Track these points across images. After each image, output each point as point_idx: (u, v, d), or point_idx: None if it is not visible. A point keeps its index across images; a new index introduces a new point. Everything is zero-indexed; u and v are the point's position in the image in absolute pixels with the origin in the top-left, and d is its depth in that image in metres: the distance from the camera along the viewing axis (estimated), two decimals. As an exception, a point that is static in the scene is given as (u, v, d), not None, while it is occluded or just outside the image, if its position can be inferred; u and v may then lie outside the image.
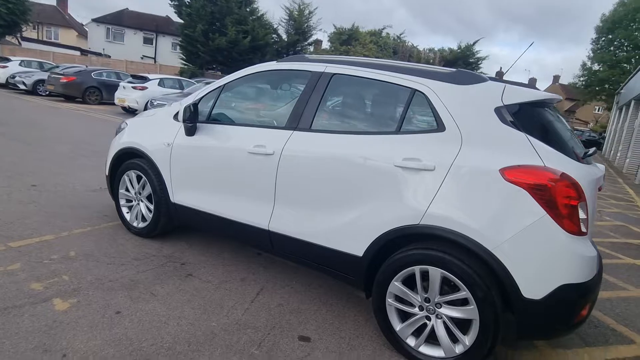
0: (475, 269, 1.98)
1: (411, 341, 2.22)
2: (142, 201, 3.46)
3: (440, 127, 2.17)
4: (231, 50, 25.68)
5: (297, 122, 2.61)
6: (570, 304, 1.92)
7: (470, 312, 2.02)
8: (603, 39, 35.72)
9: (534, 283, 1.89)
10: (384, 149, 2.26)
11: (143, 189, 3.42)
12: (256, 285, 2.91)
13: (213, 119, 3.04)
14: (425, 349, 2.19)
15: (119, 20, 36.42)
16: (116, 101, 13.80)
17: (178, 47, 31.22)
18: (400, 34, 31.17)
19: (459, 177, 2.04)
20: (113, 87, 15.22)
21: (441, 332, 2.13)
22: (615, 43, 35.22)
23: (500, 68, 49.50)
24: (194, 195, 3.06)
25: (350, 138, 2.43)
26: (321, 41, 30.65)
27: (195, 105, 2.91)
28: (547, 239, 1.87)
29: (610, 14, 35.00)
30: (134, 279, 2.79)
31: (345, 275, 2.49)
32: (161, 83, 13.89)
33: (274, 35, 28.14)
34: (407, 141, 2.23)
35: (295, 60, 2.83)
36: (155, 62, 34.32)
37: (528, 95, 2.13)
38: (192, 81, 15.50)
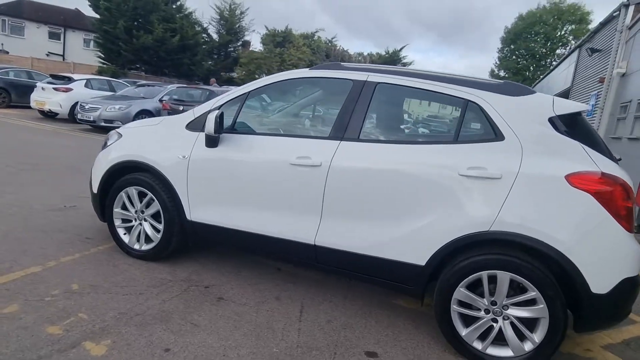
0: (546, 270, 2.10)
1: (477, 345, 2.29)
2: (145, 220, 3.10)
3: (498, 136, 2.27)
4: (158, 50, 24.15)
5: (344, 132, 2.53)
6: (629, 295, 2.13)
7: (539, 311, 2.14)
8: (507, 48, 40.11)
9: (601, 279, 2.07)
10: (445, 158, 2.30)
11: (147, 206, 3.06)
12: (295, 303, 2.77)
13: (238, 129, 2.83)
14: (492, 351, 2.27)
15: (18, 12, 32.07)
16: (33, 104, 12.15)
17: (92, 43, 28.56)
18: (332, 38, 31.88)
19: (526, 184, 2.15)
20: (24, 88, 13.45)
21: (509, 333, 2.22)
22: (517, 53, 39.74)
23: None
24: (218, 211, 2.82)
25: (404, 148, 2.43)
26: (249, 42, 30.08)
27: (222, 115, 2.68)
28: (611, 238, 2.06)
29: (512, 27, 39.42)
30: (164, 310, 2.49)
31: (401, 285, 2.48)
32: (88, 84, 12.54)
33: (204, 35, 27.02)
34: (467, 150, 2.29)
35: (331, 68, 2.75)
36: (64, 59, 30.84)
37: (573, 107, 2.32)
38: (124, 82, 14.24)
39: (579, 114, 2.35)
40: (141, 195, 3.07)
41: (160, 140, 3.03)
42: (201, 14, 33.54)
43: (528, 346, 2.20)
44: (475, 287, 2.27)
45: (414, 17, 77.73)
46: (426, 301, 2.91)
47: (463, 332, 2.31)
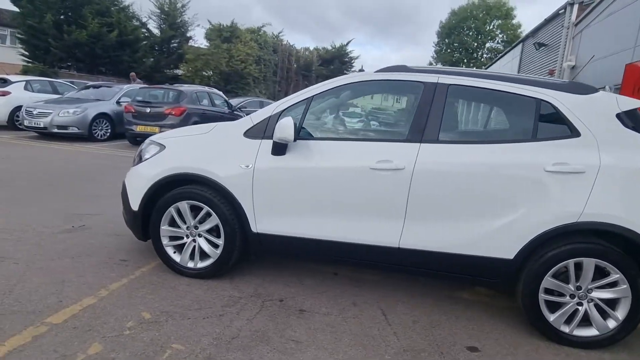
0: (630, 255, 2.31)
1: (565, 328, 2.46)
2: (199, 236, 2.90)
3: (574, 133, 2.43)
4: (93, 46, 22.24)
5: (422, 134, 2.56)
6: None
7: (622, 291, 2.35)
8: (442, 42, 42.34)
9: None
10: (529, 156, 2.42)
11: (201, 221, 2.87)
12: (373, 308, 2.76)
13: (305, 135, 2.74)
14: (579, 332, 2.45)
15: None
16: (-40, 110, 10.68)
17: (9, 39, 25.66)
18: (279, 33, 31.51)
19: (607, 177, 2.33)
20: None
21: (594, 314, 2.41)
22: (451, 46, 42.11)
23: (362, 66, 54.19)
24: (289, 221, 2.72)
25: (484, 147, 2.51)
26: (190, 37, 28.70)
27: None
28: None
29: (446, 22, 41.68)
30: (256, 330, 2.37)
31: (487, 279, 2.58)
32: (28, 86, 11.27)
33: (143, 30, 25.36)
34: (548, 147, 2.43)
35: (398, 70, 2.75)
36: (-24, 58, 27.28)
37: (633, 103, 2.54)
38: (67, 83, 12.96)
39: (637, 109, 2.59)
40: (194, 210, 2.87)
41: (216, 150, 2.84)
42: (139, 8, 31.35)
43: (612, 324, 2.40)
44: (559, 275, 2.43)
45: (350, 10, 79.03)
46: (484, 291, 3.07)
47: (551, 317, 2.46)
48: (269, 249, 2.88)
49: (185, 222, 2.90)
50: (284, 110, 2.78)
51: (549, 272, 2.41)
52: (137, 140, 10.08)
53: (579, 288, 2.42)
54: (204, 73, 26.40)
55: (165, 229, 2.93)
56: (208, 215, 2.84)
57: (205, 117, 10.05)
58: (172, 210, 2.88)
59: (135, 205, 2.97)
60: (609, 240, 2.35)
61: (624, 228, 2.29)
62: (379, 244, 2.62)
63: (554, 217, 2.36)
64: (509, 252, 2.45)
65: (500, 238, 2.45)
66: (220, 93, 11.91)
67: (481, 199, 2.47)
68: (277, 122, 2.73)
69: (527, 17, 49.00)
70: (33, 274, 2.80)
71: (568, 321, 2.46)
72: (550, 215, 2.37)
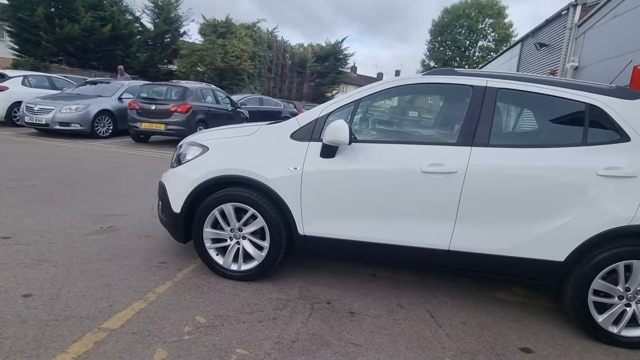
0: (678, 257, 2.37)
1: (613, 329, 2.51)
2: (244, 238, 2.89)
3: (624, 137, 2.47)
4: (86, 40, 21.84)
5: (472, 137, 2.58)
6: None
7: (670, 291, 2.41)
8: (435, 40, 42.55)
9: None
10: (580, 160, 2.46)
11: (246, 223, 2.85)
12: (421, 310, 2.78)
13: (353, 137, 2.73)
14: (627, 332, 2.50)
15: None
16: (-46, 106, 10.39)
17: (0, 33, 24.98)
18: (274, 29, 31.28)
19: (662, 181, 2.38)
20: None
21: (642, 314, 2.47)
22: (444, 44, 42.36)
23: (354, 63, 54.13)
24: (337, 224, 2.72)
25: (535, 151, 2.54)
26: (184, 32, 28.34)
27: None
28: None
29: (438, 20, 41.89)
30: (313, 333, 2.37)
31: (535, 281, 2.62)
32: (25, 81, 11.01)
33: (137, 25, 24.95)
34: (599, 152, 2.47)
35: (446, 73, 2.76)
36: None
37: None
38: (64, 78, 12.69)
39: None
40: (238, 212, 2.85)
41: (262, 152, 2.82)
42: (132, 2, 30.77)
43: (658, 324, 2.47)
44: (608, 277, 2.48)
45: (339, 7, 78.83)
46: (519, 291, 3.11)
47: (599, 319, 2.51)
48: (315, 251, 2.87)
49: (229, 225, 2.88)
50: (332, 112, 2.77)
51: (599, 275, 2.46)
52: (141, 137, 9.96)
53: (627, 289, 2.47)
54: (198, 69, 26.12)
55: (208, 231, 2.91)
56: (253, 217, 2.82)
57: (211, 115, 9.98)
58: (216, 212, 2.86)
59: (177, 207, 2.93)
60: (656, 242, 2.41)
61: (676, 230, 2.34)
62: (429, 246, 2.64)
63: (606, 221, 2.41)
64: (560, 254, 2.49)
65: (551, 240, 2.49)
66: (222, 91, 11.78)
67: (532, 203, 2.50)
68: (324, 124, 2.73)
69: (517, 16, 49.49)
70: (76, 278, 2.75)
71: (616, 322, 2.51)
72: (602, 218, 2.41)
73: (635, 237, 2.44)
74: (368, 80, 62.69)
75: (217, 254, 2.96)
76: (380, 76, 66.00)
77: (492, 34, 41.18)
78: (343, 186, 2.68)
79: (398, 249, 2.68)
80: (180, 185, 2.93)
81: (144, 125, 9.18)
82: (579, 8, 9.48)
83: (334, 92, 35.51)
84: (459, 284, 3.21)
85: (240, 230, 2.88)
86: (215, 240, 2.94)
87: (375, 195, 2.66)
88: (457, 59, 41.95)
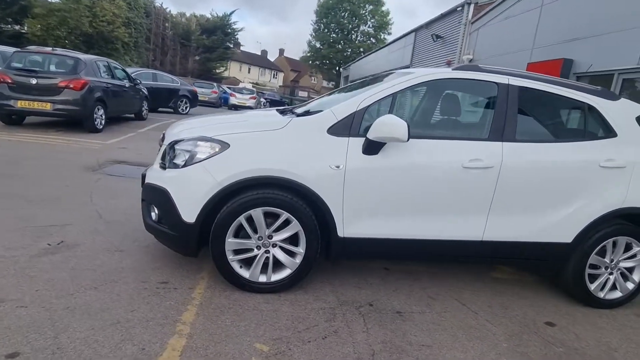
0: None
1: (600, 294, 2.98)
2: (274, 246, 2.57)
3: (613, 134, 2.90)
4: None
5: (502, 133, 2.72)
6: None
7: (638, 260, 2.97)
8: (321, 22, 43.40)
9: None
10: (588, 153, 2.80)
11: (277, 229, 2.53)
12: (451, 300, 2.88)
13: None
14: (609, 295, 3.00)
15: None
16: None
17: None
18: (151, -6, 27.84)
19: (639, 170, 2.86)
20: None
21: (620, 280, 2.99)
22: (329, 26, 43.52)
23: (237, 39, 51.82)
24: (378, 223, 2.61)
25: (552, 146, 2.80)
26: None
27: None
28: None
29: (324, 1, 42.70)
30: (382, 341, 2.26)
31: (544, 262, 2.94)
32: None
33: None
34: (599, 146, 2.85)
35: (471, 69, 2.81)
36: None
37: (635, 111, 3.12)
38: None
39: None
40: (268, 217, 2.51)
41: (298, 149, 2.50)
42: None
43: (630, 286, 3.02)
44: (600, 252, 2.93)
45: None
46: (507, 269, 3.48)
47: (592, 287, 2.96)
48: (353, 253, 2.72)
49: (256, 232, 2.52)
50: (369, 105, 2.60)
51: (595, 250, 2.88)
52: (13, 118, 7.99)
53: (612, 261, 2.96)
54: (58, 33, 21.89)
55: (231, 241, 2.50)
56: (287, 222, 2.52)
57: (110, 93, 8.52)
58: (242, 219, 2.47)
59: (190, 216, 2.43)
60: (630, 220, 2.92)
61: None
62: (465, 238, 2.73)
63: (605, 205, 2.82)
64: (569, 236, 2.83)
65: (564, 225, 2.81)
66: (117, 63, 10.11)
67: (550, 193, 2.78)
68: (362, 118, 2.56)
69: (394, 6, 53.74)
70: (66, 319, 2.09)
71: (602, 288, 2.99)
72: (602, 203, 2.81)
73: (622, 218, 2.91)
74: (253, 57, 60.97)
75: (241, 267, 2.57)
76: (264, 53, 64.86)
77: (372, 20, 43.85)
78: (388, 184, 2.57)
79: (436, 243, 2.71)
80: (194, 190, 2.43)
81: (21, 104, 7.33)
82: (472, 6, 10.68)
83: (222, 68, 33.72)
84: (461, 270, 3.42)
85: (270, 237, 2.54)
86: (238, 251, 2.55)
87: (419, 192, 2.62)
88: (342, 42, 43.67)
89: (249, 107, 23.61)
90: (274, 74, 63.85)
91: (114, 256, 2.86)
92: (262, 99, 28.13)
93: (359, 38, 44.27)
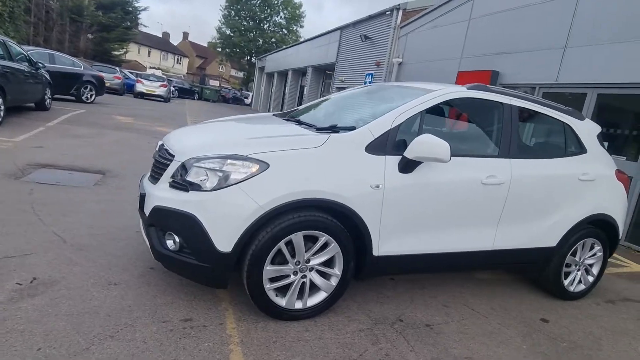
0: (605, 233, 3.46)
1: (570, 288, 3.45)
2: (310, 270, 2.43)
3: (583, 150, 3.35)
4: None
5: (508, 150, 2.95)
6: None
7: (599, 257, 3.51)
8: (232, 8, 41.70)
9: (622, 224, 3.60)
10: (570, 168, 3.20)
11: (315, 253, 2.40)
12: (461, 306, 3.05)
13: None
14: (577, 288, 3.48)
15: None
16: None
17: None
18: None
19: (604, 182, 3.36)
20: None
21: (584, 275, 3.50)
22: (240, 14, 42.07)
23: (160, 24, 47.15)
24: (411, 240, 2.64)
25: (543, 162, 3.12)
26: None
27: None
28: (625, 205, 3.59)
29: (235, -13, 41.06)
30: (434, 358, 2.31)
31: (532, 264, 3.29)
32: None
33: None
34: (576, 161, 3.26)
35: (484, 89, 2.95)
36: None
37: (599, 128, 3.62)
38: None
39: (600, 132, 3.69)
40: (308, 241, 2.36)
41: (338, 168, 2.37)
42: None
43: (590, 279, 3.54)
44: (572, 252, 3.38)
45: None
46: (490, 271, 3.82)
47: (565, 283, 3.41)
48: (383, 270, 2.72)
49: (294, 257, 2.36)
50: (402, 123, 2.59)
51: (570, 251, 3.32)
52: None
53: (580, 259, 3.44)
54: None
55: (269, 269, 2.29)
56: (326, 245, 2.40)
57: (10, 78, 7.09)
58: (282, 245, 2.28)
59: (226, 245, 2.17)
60: (595, 224, 3.43)
61: (610, 216, 3.39)
62: (480, 248, 2.92)
63: (582, 213, 3.25)
64: (554, 241, 3.21)
65: (552, 231, 3.18)
66: (14, 42, 8.43)
67: (544, 204, 3.11)
68: (396, 135, 2.55)
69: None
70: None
71: (572, 283, 3.46)
72: (579, 211, 3.25)
73: (590, 223, 3.38)
74: (153, 39, 55.96)
75: (277, 295, 2.38)
76: (166, 36, 60.14)
77: (284, 11, 43.54)
78: (420, 201, 2.61)
79: (457, 255, 2.85)
80: (232, 216, 2.17)
81: None
82: (400, 12, 11.27)
83: (123, 50, 30.37)
84: (449, 275, 3.63)
85: (307, 261, 2.40)
86: (273, 279, 2.35)
87: (445, 208, 2.71)
88: (254, 31, 42.59)
89: (159, 96, 21.76)
90: (177, 59, 59.62)
91: (110, 292, 2.42)
92: (171, 87, 26.08)
93: (271, 28, 43.68)
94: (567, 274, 3.42)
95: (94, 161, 5.55)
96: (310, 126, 2.82)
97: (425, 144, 2.42)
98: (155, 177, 2.57)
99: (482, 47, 8.17)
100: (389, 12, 11.64)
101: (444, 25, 9.42)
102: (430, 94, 2.75)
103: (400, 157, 2.51)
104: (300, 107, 3.80)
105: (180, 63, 60.44)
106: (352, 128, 2.57)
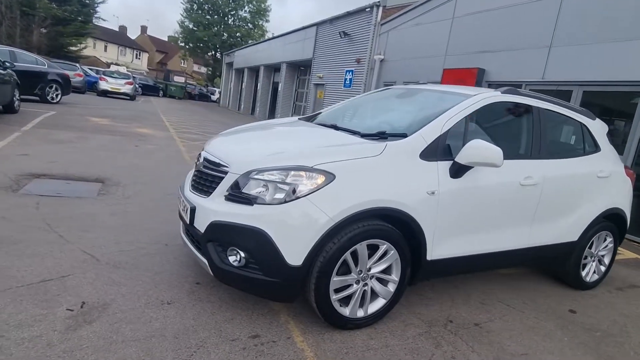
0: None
1: (587, 278, 3.67)
2: (371, 278, 2.44)
3: (597, 148, 3.55)
4: None
5: (539, 151, 3.08)
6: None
7: (610, 249, 3.75)
8: (194, 1, 40.39)
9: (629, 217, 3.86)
10: (590, 166, 3.39)
11: (377, 260, 2.42)
12: (495, 301, 3.17)
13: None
14: (592, 279, 3.71)
15: None
16: None
17: None
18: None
19: (617, 179, 3.58)
20: None
21: (598, 266, 3.73)
22: (203, 7, 40.84)
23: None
24: (461, 242, 2.70)
25: (567, 161, 3.29)
26: None
27: None
28: (630, 199, 3.85)
29: (198, -20, 39.77)
30: (495, 358, 2.39)
31: (556, 258, 3.46)
32: None
33: None
34: (594, 159, 3.46)
35: (516, 93, 3.05)
36: None
37: (606, 127, 3.84)
38: None
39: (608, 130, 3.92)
40: (371, 250, 2.37)
41: (397, 176, 2.38)
42: None
43: (602, 269, 3.78)
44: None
45: None
46: None
47: (583, 274, 3.62)
48: (434, 274, 2.76)
49: (357, 266, 2.36)
50: (450, 128, 2.64)
51: (588, 244, 3.53)
52: None
53: (596, 251, 3.66)
54: None
55: (336, 280, 2.28)
56: (386, 252, 2.42)
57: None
58: (347, 255, 2.27)
59: (296, 259, 2.13)
60: (609, 219, 3.65)
61: (622, 210, 3.63)
62: (518, 247, 3.04)
63: (599, 208, 3.46)
64: (576, 235, 3.40)
65: (575, 226, 3.36)
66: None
67: (569, 200, 3.28)
68: (445, 140, 2.59)
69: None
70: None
71: (588, 274, 3.68)
72: (597, 206, 3.45)
73: (606, 218, 3.59)
74: (109, 33, 53.17)
75: (341, 305, 2.37)
76: (123, 29, 57.43)
77: (249, 5, 42.70)
78: (469, 204, 2.67)
79: (499, 254, 2.95)
80: (303, 229, 2.13)
81: None
82: (380, 9, 11.36)
83: (81, 45, 28.71)
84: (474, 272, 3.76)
85: (368, 270, 2.41)
86: (337, 290, 2.34)
87: (490, 210, 2.80)
88: (219, 25, 41.51)
89: (125, 94, 20.81)
90: (136, 54, 57.13)
91: (167, 312, 2.32)
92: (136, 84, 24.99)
93: (236, 23, 42.74)
94: (584, 266, 3.63)
95: (88, 168, 5.25)
96: (352, 132, 2.81)
97: (478, 149, 2.48)
98: (203, 190, 2.48)
99: (467, 45, 8.42)
100: (368, 9, 11.71)
101: (427, 23, 9.61)
102: (471, 99, 2.82)
103: (449, 162, 2.56)
104: (323, 112, 3.77)
105: (139, 58, 57.97)
106: (403, 134, 2.59)
